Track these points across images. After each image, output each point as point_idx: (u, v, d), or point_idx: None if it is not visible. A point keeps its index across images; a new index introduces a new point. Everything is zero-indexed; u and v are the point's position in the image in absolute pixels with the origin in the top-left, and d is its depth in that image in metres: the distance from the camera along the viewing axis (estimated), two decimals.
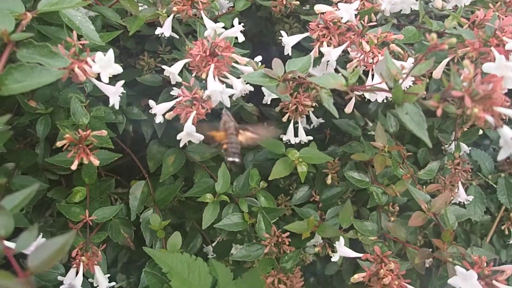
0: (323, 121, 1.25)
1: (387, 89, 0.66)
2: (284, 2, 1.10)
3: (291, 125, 1.09)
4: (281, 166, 1.07)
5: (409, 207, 1.29)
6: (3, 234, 0.46)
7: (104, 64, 0.67)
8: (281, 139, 1.13)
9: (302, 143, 1.10)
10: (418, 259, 0.83)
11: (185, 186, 1.24)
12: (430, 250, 0.87)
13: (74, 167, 0.74)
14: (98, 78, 0.69)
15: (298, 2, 1.11)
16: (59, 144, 0.76)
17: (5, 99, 1.15)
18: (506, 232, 1.48)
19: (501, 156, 0.57)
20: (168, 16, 0.95)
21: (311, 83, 0.75)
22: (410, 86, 0.79)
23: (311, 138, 1.10)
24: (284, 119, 1.07)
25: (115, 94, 0.71)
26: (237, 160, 0.87)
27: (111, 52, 0.67)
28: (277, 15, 1.15)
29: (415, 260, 0.83)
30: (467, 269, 0.71)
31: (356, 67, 0.88)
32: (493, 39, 0.73)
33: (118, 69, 0.69)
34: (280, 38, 1.34)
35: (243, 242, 1.29)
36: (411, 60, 0.82)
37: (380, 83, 0.69)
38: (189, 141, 1.00)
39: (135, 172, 1.29)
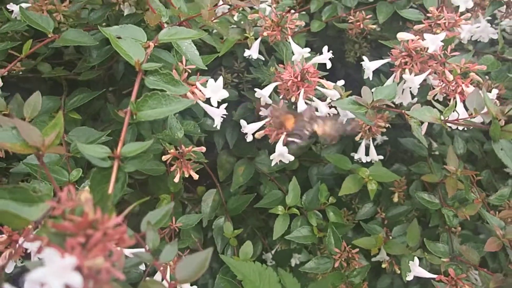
0: (387, 138, 1.28)
1: (480, 123, 0.70)
2: (361, 26, 1.14)
3: (362, 144, 1.13)
4: (350, 182, 1.11)
5: (463, 226, 1.30)
6: (151, 247, 0.53)
7: (215, 89, 0.73)
8: (350, 156, 1.17)
9: (371, 161, 1.14)
10: (493, 285, 0.85)
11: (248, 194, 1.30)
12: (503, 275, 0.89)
13: (177, 180, 0.81)
14: (207, 101, 0.75)
15: (374, 26, 1.15)
16: (164, 158, 0.83)
17: (90, 107, 1.25)
18: None
19: None
20: (256, 39, 1.01)
21: (404, 113, 0.78)
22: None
23: (381, 157, 1.14)
24: (357, 138, 1.11)
25: (218, 115, 0.78)
26: (296, 141, 0.82)
27: (221, 80, 0.73)
28: (353, 36, 1.19)
29: (489, 285, 0.85)
30: None
31: (436, 95, 0.91)
32: None
33: (225, 94, 0.75)
34: (347, 57, 1.40)
35: (301, 252, 1.34)
36: (495, 91, 0.84)
37: (471, 116, 0.73)
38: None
39: (199, 178, 1.36)
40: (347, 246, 1.05)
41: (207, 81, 0.78)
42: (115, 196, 0.59)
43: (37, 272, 0.36)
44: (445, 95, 0.91)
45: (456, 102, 0.88)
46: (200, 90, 0.74)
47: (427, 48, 0.89)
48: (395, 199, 1.17)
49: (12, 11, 1.04)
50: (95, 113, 1.30)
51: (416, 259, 0.90)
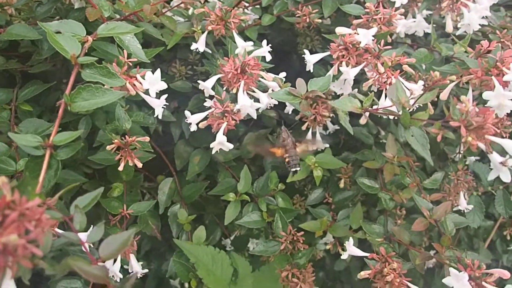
0: (338, 127, 1.34)
1: (397, 112, 0.76)
2: (308, 20, 1.19)
3: (309, 133, 1.18)
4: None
5: (415, 210, 1.38)
6: (78, 228, 0.57)
7: (153, 81, 0.77)
8: None
9: (319, 150, 1.20)
10: (419, 260, 0.92)
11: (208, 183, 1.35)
12: (434, 252, 0.96)
13: (121, 168, 0.86)
14: (146, 92, 0.79)
15: (320, 20, 1.21)
16: (108, 148, 0.87)
17: (47, 99, 1.27)
18: (508, 238, 1.56)
19: (490, 177, 0.66)
20: (203, 33, 1.05)
21: (328, 103, 0.84)
22: (420, 106, 0.88)
23: (327, 145, 1.20)
24: (304, 127, 1.17)
25: (159, 106, 0.82)
26: (298, 168, 1.04)
27: (158, 72, 0.77)
28: (301, 30, 1.24)
29: (416, 261, 0.93)
30: (460, 271, 0.81)
31: (371, 86, 0.97)
32: (494, 69, 0.82)
33: (163, 85, 0.79)
34: (301, 49, 1.45)
35: (259, 237, 1.40)
36: (421, 83, 0.90)
37: (391, 106, 0.79)
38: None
39: (158, 167, 1.40)
40: (293, 229, 1.11)
41: (147, 72, 0.82)
42: (49, 182, 0.63)
43: None
44: (379, 86, 0.98)
45: (386, 93, 0.94)
46: (140, 82, 0.79)
47: (361, 42, 0.94)
48: (341, 185, 1.23)
49: None
50: (52, 105, 1.32)
51: (351, 239, 0.97)
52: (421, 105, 0.90)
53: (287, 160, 1.02)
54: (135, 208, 1.07)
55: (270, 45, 0.98)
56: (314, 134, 1.20)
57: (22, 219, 0.45)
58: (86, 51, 0.74)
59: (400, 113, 0.71)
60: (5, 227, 0.44)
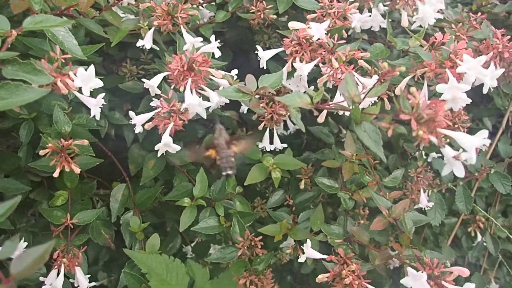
0: (300, 128, 1.31)
1: (349, 108, 0.72)
2: (262, 16, 1.15)
3: (266, 133, 1.14)
4: (256, 172, 1.12)
5: (380, 210, 1.36)
6: None
7: (85, 79, 0.71)
8: (257, 146, 1.18)
9: (277, 150, 1.16)
10: (379, 261, 0.89)
11: (165, 188, 1.28)
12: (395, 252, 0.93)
13: (56, 174, 0.79)
14: (80, 91, 0.73)
15: (275, 16, 1.17)
16: (42, 153, 0.80)
17: None
18: (473, 234, 1.57)
19: (444, 172, 0.63)
20: (150, 29, 0.99)
21: (276, 99, 0.80)
22: (373, 103, 0.85)
23: (285, 145, 1.16)
24: (260, 127, 1.13)
25: (96, 106, 0.76)
26: (230, 172, 0.94)
27: (92, 68, 0.71)
28: (256, 27, 1.20)
29: (375, 261, 0.89)
30: (418, 270, 0.78)
31: (325, 82, 0.93)
32: (447, 61, 0.80)
33: (98, 83, 0.73)
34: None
35: (221, 243, 1.34)
36: (375, 77, 0.88)
37: (343, 101, 0.75)
38: None
39: (117, 173, 1.33)
40: (251, 234, 1.06)
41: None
42: None
43: None
44: (334, 82, 0.94)
45: (330, 85, 0.91)
46: (72, 80, 0.72)
47: (313, 36, 0.91)
48: (302, 186, 1.19)
49: None
50: None
51: (308, 241, 0.93)
52: (376, 101, 0.87)
53: (218, 162, 0.93)
54: (80, 217, 1.00)
55: (219, 40, 0.93)
56: (272, 135, 1.16)
57: None
58: (9, 46, 0.67)
59: (351, 108, 0.68)
60: None
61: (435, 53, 0.83)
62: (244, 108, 1.09)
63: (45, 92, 0.61)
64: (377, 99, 0.89)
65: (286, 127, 1.29)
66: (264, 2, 1.17)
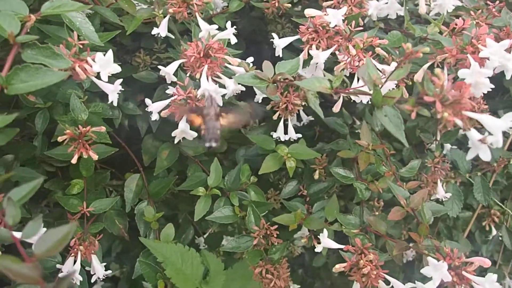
0: (313, 118, 1.30)
1: (369, 92, 0.71)
2: (277, 5, 1.14)
3: (281, 123, 1.13)
4: (270, 161, 1.12)
5: (394, 202, 1.34)
6: (11, 223, 0.50)
7: (104, 64, 0.71)
8: (272, 136, 1.18)
9: (291, 140, 1.15)
10: (396, 251, 0.88)
11: (178, 179, 1.28)
12: (410, 243, 0.92)
13: (74, 161, 0.79)
14: (98, 76, 0.73)
15: (290, 5, 1.16)
16: (60, 139, 0.80)
17: (2, 93, 1.19)
18: (487, 228, 1.54)
19: (469, 156, 0.62)
20: (164, 17, 0.99)
21: (294, 83, 0.79)
22: (392, 89, 0.84)
23: (300, 135, 1.15)
24: (275, 117, 1.12)
25: (113, 92, 0.75)
26: (214, 145, 0.84)
27: (110, 53, 0.71)
28: (270, 16, 1.19)
29: (393, 252, 0.88)
30: (439, 260, 0.77)
31: (342, 69, 0.92)
32: (469, 47, 0.78)
33: (116, 68, 0.73)
34: (272, 37, 1.40)
35: (233, 234, 1.34)
36: (394, 64, 0.86)
37: (363, 86, 0.74)
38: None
39: (129, 164, 1.33)
40: (266, 223, 1.06)
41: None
42: None
43: None
44: (351, 70, 0.93)
45: (358, 79, 0.90)
46: (91, 66, 0.72)
47: (330, 23, 0.90)
48: (316, 176, 1.18)
49: None
50: (9, 100, 1.24)
51: (325, 231, 0.92)
52: (395, 88, 0.86)
53: (202, 132, 0.83)
54: (96, 206, 1.00)
55: (234, 27, 0.92)
56: (286, 125, 1.15)
57: None
58: (28, 30, 0.67)
59: (371, 92, 0.66)
60: None
61: (456, 39, 0.81)
62: (259, 97, 1.09)
63: (65, 75, 0.61)
64: (396, 86, 0.88)
65: (299, 118, 1.28)
66: None
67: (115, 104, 0.78)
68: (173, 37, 1.08)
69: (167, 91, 0.92)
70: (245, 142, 1.37)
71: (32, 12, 0.75)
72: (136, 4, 1.10)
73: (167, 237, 1.09)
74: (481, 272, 0.90)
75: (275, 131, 1.17)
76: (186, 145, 1.26)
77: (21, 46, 0.64)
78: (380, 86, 0.65)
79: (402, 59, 0.64)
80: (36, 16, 0.70)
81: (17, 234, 0.52)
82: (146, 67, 1.23)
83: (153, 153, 1.27)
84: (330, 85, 0.72)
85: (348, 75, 0.96)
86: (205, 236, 1.43)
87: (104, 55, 0.71)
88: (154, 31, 0.98)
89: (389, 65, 0.97)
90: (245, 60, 0.99)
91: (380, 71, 0.86)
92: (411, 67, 0.91)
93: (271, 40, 1.39)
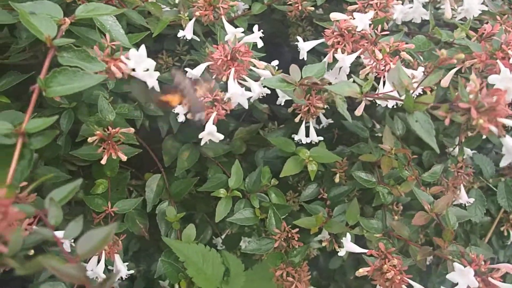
0: (332, 121, 1.30)
1: (399, 97, 0.71)
2: (300, 8, 1.14)
3: (302, 126, 1.14)
4: (292, 164, 1.12)
5: (411, 206, 1.34)
6: (53, 223, 0.51)
7: (138, 59, 0.71)
8: (292, 139, 1.18)
9: (313, 143, 1.15)
10: (420, 256, 0.88)
11: (198, 180, 1.29)
12: (431, 248, 0.92)
13: (103, 161, 0.80)
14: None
15: (313, 8, 1.16)
16: (90, 140, 0.81)
17: (27, 92, 1.21)
18: (505, 233, 1.53)
19: (503, 163, 0.62)
20: (190, 20, 0.99)
21: (324, 87, 0.79)
22: (419, 94, 0.84)
23: (321, 138, 1.15)
24: (297, 119, 1.12)
25: (152, 77, 0.74)
26: (202, 117, 0.81)
27: (143, 48, 0.71)
28: (292, 19, 1.20)
29: (417, 257, 0.88)
30: (465, 266, 0.76)
31: (368, 73, 0.92)
32: (499, 52, 0.78)
33: (151, 63, 0.73)
34: (293, 40, 1.40)
35: (251, 235, 1.35)
36: (421, 69, 0.86)
37: (391, 91, 0.74)
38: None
39: (147, 164, 1.35)
40: (287, 226, 1.06)
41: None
42: (22, 173, 0.57)
43: None
44: (376, 74, 0.93)
45: (384, 80, 0.90)
46: (125, 64, 0.72)
47: (357, 27, 0.90)
48: (337, 180, 1.18)
49: None
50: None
51: (348, 235, 0.92)
52: (421, 93, 0.86)
53: (187, 106, 0.79)
54: (120, 206, 1.01)
55: (261, 30, 0.93)
56: (307, 127, 1.15)
57: None
58: (63, 34, 0.68)
59: (403, 97, 0.67)
60: None
61: (485, 44, 0.81)
62: (281, 100, 1.09)
63: (102, 78, 0.62)
64: (422, 91, 0.88)
65: (318, 121, 1.28)
66: None
67: (156, 88, 0.76)
68: (197, 39, 1.08)
69: None
70: (263, 144, 1.38)
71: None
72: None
73: (189, 238, 1.10)
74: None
75: (294, 133, 1.18)
76: (207, 146, 1.26)
77: (58, 49, 0.65)
78: (412, 91, 0.65)
79: (435, 64, 0.64)
80: (71, 20, 0.71)
81: (59, 234, 0.52)
82: (168, 68, 1.24)
83: (173, 154, 1.28)
84: (360, 90, 0.72)
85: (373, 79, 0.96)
86: (222, 236, 1.43)
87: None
88: (180, 33, 0.99)
89: (414, 69, 0.97)
90: (268, 63, 1.00)
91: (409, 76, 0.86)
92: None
93: (291, 42, 1.41)
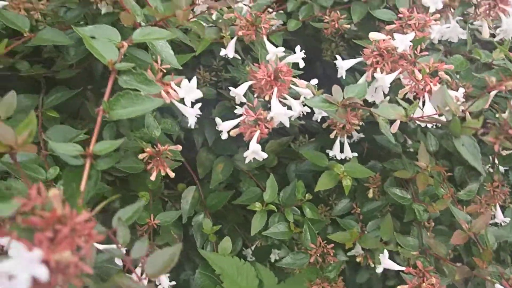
0: (363, 136, 1.31)
1: (444, 120, 0.73)
2: (336, 26, 1.16)
3: (337, 142, 1.15)
4: (326, 178, 1.14)
5: (440, 221, 1.34)
6: (121, 242, 0.54)
7: (188, 90, 0.75)
8: (324, 152, 1.20)
9: (346, 158, 1.17)
10: (459, 276, 0.89)
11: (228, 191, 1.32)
12: (469, 268, 0.93)
13: (153, 178, 0.83)
14: (181, 101, 0.77)
15: (348, 26, 1.18)
16: (140, 157, 0.84)
17: (69, 105, 1.25)
18: None
19: None
20: (232, 38, 1.02)
21: (372, 110, 0.81)
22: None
23: (355, 154, 1.17)
24: (332, 135, 1.14)
25: (193, 115, 0.79)
26: None
27: (195, 80, 0.75)
28: (327, 36, 1.22)
29: (455, 277, 0.89)
30: None
31: (406, 93, 0.94)
32: None
33: (199, 94, 0.77)
34: (326, 55, 1.42)
35: (281, 247, 1.36)
36: (461, 90, 0.87)
37: (435, 114, 0.76)
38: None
39: (179, 174, 1.38)
40: (322, 241, 1.08)
41: (181, 79, 0.80)
42: (88, 193, 0.60)
43: (4, 265, 0.37)
44: (415, 93, 0.95)
45: (424, 100, 0.91)
46: (174, 90, 0.76)
47: (397, 48, 0.92)
48: (370, 195, 1.20)
49: None
50: (75, 111, 1.30)
51: (385, 251, 0.93)
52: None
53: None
54: (161, 218, 1.05)
55: (301, 50, 0.95)
56: (342, 143, 1.17)
57: (73, 234, 0.42)
58: (122, 57, 0.72)
59: (450, 120, 0.68)
60: (57, 243, 0.41)
61: None
62: (317, 117, 1.11)
63: (161, 102, 0.65)
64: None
65: (349, 135, 1.29)
66: (338, 11, 1.19)
67: (193, 126, 0.81)
68: (238, 56, 1.11)
69: (236, 111, 0.95)
70: (294, 157, 1.40)
71: None
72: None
73: (225, 250, 1.12)
74: None
75: (325, 147, 1.20)
76: (240, 159, 1.29)
77: (118, 72, 0.69)
78: (459, 116, 0.66)
79: (484, 91, 0.65)
80: (128, 43, 0.74)
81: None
82: (205, 83, 1.28)
83: (207, 166, 1.31)
84: (405, 113, 0.74)
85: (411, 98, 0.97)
86: (252, 248, 1.45)
87: (190, 81, 0.75)
88: (222, 52, 1.02)
89: (452, 89, 0.98)
90: (302, 78, 1.02)
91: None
92: (472, 90, 0.93)
93: (325, 57, 1.43)
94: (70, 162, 0.59)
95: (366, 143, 1.49)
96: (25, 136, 0.56)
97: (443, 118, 0.71)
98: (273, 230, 1.12)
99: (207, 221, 1.15)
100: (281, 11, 1.31)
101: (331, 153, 1.16)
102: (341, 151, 1.17)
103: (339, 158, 1.16)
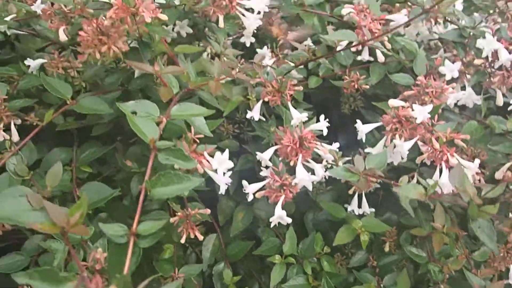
0: (379, 186, 1.35)
1: (462, 201, 0.77)
2: (356, 86, 1.22)
3: (355, 197, 1.19)
4: (344, 233, 1.17)
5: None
6: None
7: (221, 161, 0.80)
8: (343, 205, 1.24)
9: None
10: None
11: (246, 238, 1.36)
12: None
13: (183, 241, 0.88)
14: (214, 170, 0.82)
15: (367, 86, 1.23)
16: (172, 220, 0.89)
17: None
18: None
19: None
20: (257, 101, 1.08)
21: (394, 184, 0.86)
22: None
23: (373, 210, 1.20)
24: (350, 191, 1.18)
25: (224, 183, 0.84)
26: None
27: (227, 152, 0.80)
28: (347, 94, 1.28)
29: None
30: None
31: (422, 160, 0.98)
32: None
33: (230, 164, 0.82)
34: (344, 108, 1.48)
35: None
36: (477, 161, 0.92)
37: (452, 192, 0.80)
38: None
39: None
40: None
41: (213, 149, 0.85)
42: (130, 268, 0.65)
43: None
44: (432, 160, 0.99)
45: (441, 168, 0.95)
46: (208, 161, 0.81)
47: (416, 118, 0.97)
48: (387, 249, 1.23)
49: (29, 66, 1.12)
50: (102, 157, 1.36)
51: None
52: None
53: None
54: (185, 271, 1.09)
55: (327, 120, 1.00)
56: (360, 197, 1.21)
57: None
58: (161, 132, 0.77)
59: (467, 203, 0.72)
60: None
61: None
62: None
63: (200, 181, 0.71)
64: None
65: None
66: (357, 72, 1.24)
67: (223, 193, 0.87)
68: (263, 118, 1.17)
69: (261, 173, 1.00)
70: (312, 205, 1.44)
71: None
72: None
73: None
74: None
75: (342, 196, 1.23)
76: (260, 208, 1.34)
77: (158, 150, 0.74)
78: (477, 204, 0.71)
79: (502, 181, 0.69)
80: (166, 118, 0.80)
81: None
82: (228, 135, 1.33)
83: (227, 213, 1.36)
84: (425, 191, 0.78)
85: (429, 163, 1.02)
86: None
87: (222, 153, 0.80)
88: (248, 115, 1.08)
89: (467, 155, 1.02)
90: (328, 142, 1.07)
91: (465, 167, 0.92)
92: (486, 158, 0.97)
93: (343, 110, 1.49)
94: (117, 240, 0.64)
95: (381, 191, 1.54)
96: (77, 217, 0.61)
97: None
98: (292, 283, 1.15)
99: (227, 271, 1.19)
100: (301, 66, 1.38)
101: (349, 208, 1.20)
102: (359, 206, 1.21)
103: (357, 213, 1.20)
